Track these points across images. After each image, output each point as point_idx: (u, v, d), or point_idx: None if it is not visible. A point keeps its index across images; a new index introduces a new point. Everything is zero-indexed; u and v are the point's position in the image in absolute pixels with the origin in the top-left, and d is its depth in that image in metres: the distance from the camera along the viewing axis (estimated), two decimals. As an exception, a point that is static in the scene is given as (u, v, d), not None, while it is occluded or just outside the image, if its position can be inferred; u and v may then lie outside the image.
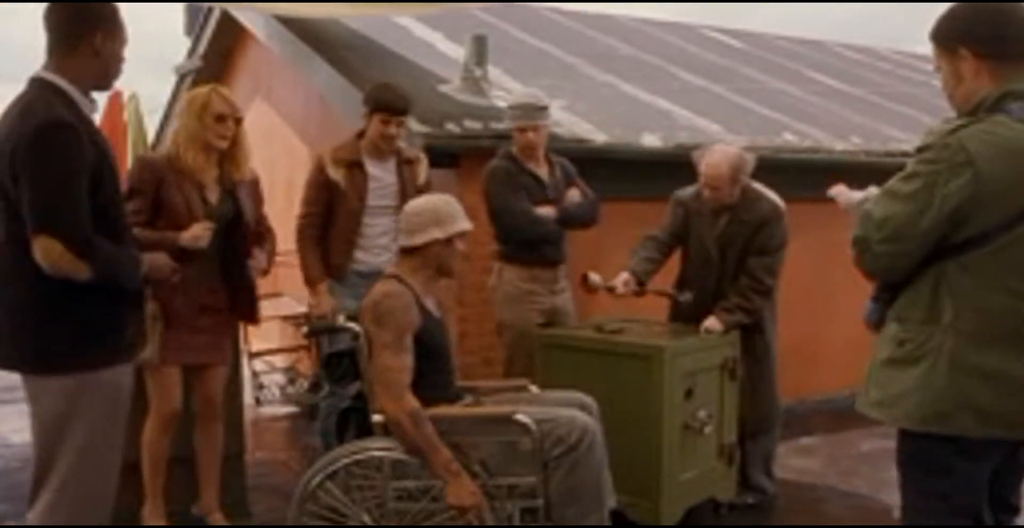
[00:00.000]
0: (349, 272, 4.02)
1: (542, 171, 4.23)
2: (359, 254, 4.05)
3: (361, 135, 4.10)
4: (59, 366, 2.48)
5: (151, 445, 3.49)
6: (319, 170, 4.01)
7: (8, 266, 2.50)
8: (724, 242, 3.97)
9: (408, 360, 3.02)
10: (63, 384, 2.48)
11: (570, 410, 3.14)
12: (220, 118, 3.44)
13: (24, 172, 2.41)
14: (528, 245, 4.15)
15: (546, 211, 4.11)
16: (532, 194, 4.14)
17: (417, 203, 3.31)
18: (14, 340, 2.51)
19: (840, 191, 2.50)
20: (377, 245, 4.06)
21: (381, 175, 4.07)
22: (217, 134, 3.45)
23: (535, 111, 4.14)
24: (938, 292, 2.10)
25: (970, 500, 2.18)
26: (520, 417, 2.95)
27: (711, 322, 3.84)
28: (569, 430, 2.99)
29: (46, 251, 2.39)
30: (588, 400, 3.31)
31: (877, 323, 2.29)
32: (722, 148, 3.97)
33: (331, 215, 4.01)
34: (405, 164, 4.14)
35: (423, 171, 4.20)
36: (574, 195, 4.22)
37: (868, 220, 2.14)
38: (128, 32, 2.66)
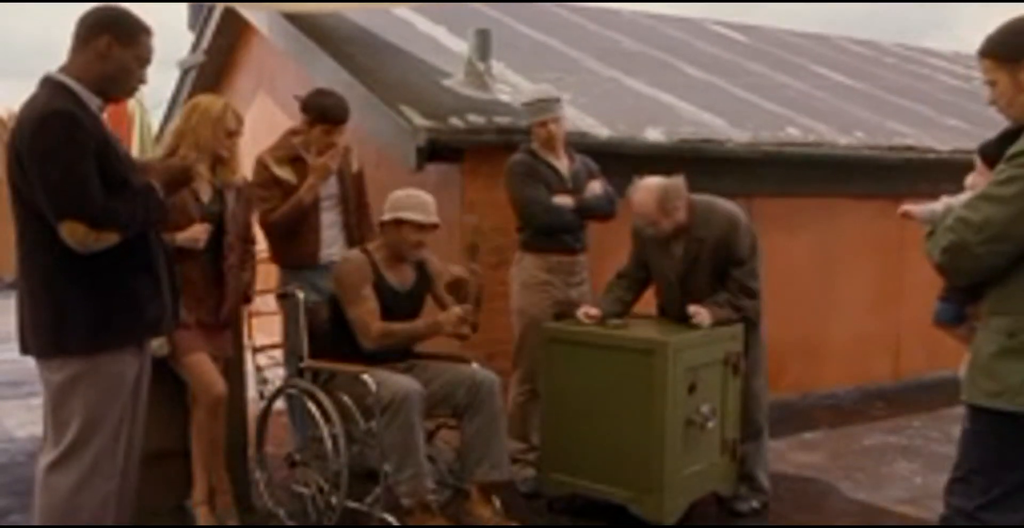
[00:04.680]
0: (304, 265, 4.18)
1: (562, 163, 4.28)
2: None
3: (295, 133, 4.24)
4: (70, 349, 2.63)
5: (203, 432, 3.58)
6: (264, 168, 4.14)
7: (25, 258, 2.65)
8: (687, 263, 3.92)
9: (367, 305, 3.68)
10: (71, 364, 2.63)
11: (402, 376, 3.59)
12: (231, 134, 3.62)
13: (31, 164, 2.53)
14: (546, 233, 4.20)
15: (564, 200, 4.17)
16: (551, 185, 4.19)
17: (398, 191, 3.81)
18: (34, 328, 2.65)
19: (910, 208, 2.64)
20: (328, 236, 4.22)
21: None
22: (224, 146, 3.63)
23: (552, 103, 4.25)
24: None
25: None
26: (365, 377, 3.50)
27: (700, 311, 3.80)
28: (392, 391, 3.46)
29: (72, 234, 2.54)
30: (485, 376, 3.75)
31: (952, 321, 2.44)
32: (644, 185, 3.88)
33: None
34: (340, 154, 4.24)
35: (355, 159, 4.35)
36: (595, 187, 4.27)
37: (965, 225, 2.25)
38: (151, 53, 2.77)
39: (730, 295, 3.85)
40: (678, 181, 3.89)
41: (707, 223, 3.88)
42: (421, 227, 3.73)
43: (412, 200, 3.76)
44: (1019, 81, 2.32)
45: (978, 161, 2.49)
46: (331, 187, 4.23)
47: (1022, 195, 2.19)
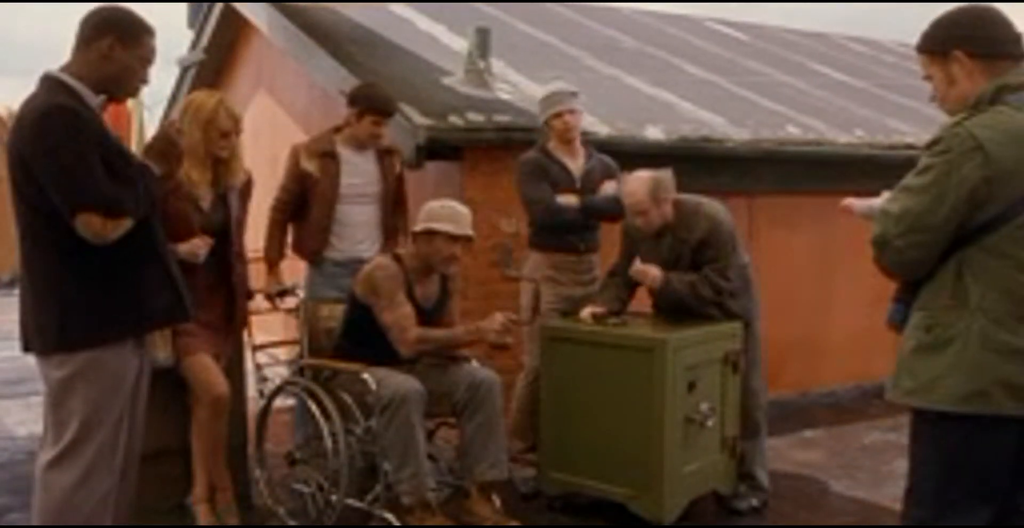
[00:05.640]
0: (326, 259, 4.18)
1: (575, 162, 4.26)
2: (335, 241, 4.20)
3: (338, 130, 4.26)
4: (72, 346, 2.63)
5: (204, 431, 3.55)
6: (295, 159, 4.19)
7: (28, 257, 2.65)
8: (671, 262, 3.93)
9: (403, 310, 3.63)
10: (72, 361, 2.63)
11: (401, 376, 3.54)
12: (225, 135, 3.51)
13: (36, 161, 2.53)
14: (550, 232, 4.19)
15: (568, 199, 4.14)
16: (559, 184, 4.17)
17: (433, 202, 3.74)
18: (37, 325, 2.65)
19: (851, 202, 2.61)
20: (356, 234, 4.20)
21: (359, 162, 4.21)
22: (220, 147, 3.52)
23: (568, 96, 4.25)
24: (961, 277, 2.18)
25: (994, 481, 2.22)
26: (364, 375, 3.50)
27: (650, 271, 3.83)
28: (392, 390, 3.45)
29: (89, 226, 2.54)
30: (485, 375, 3.74)
31: (902, 323, 2.36)
32: (636, 175, 3.90)
33: (307, 203, 4.17)
34: (385, 154, 4.28)
35: (398, 162, 4.36)
36: (608, 187, 4.22)
37: (886, 217, 2.23)
38: (153, 54, 2.77)
39: (699, 280, 3.83)
40: (668, 174, 3.92)
41: (690, 224, 3.89)
42: (454, 239, 3.65)
43: (445, 211, 3.69)
44: (950, 74, 2.29)
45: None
46: (372, 184, 4.22)
47: (936, 183, 2.15)
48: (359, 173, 4.20)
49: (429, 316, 3.80)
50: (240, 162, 3.65)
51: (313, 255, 4.21)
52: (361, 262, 4.10)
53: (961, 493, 2.21)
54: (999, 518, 2.24)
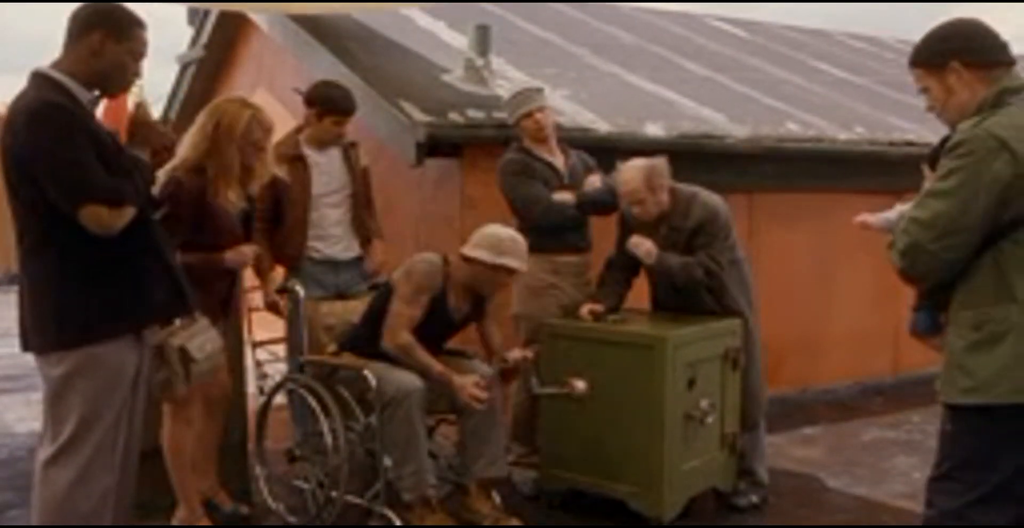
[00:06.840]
0: (306, 262, 4.12)
1: (556, 159, 4.22)
2: (317, 244, 4.15)
3: (299, 130, 4.22)
4: (69, 344, 2.62)
5: (209, 431, 3.56)
6: None
7: (27, 256, 2.64)
8: (667, 251, 3.91)
9: (415, 311, 3.62)
10: (69, 358, 2.62)
11: (403, 372, 3.55)
12: (262, 148, 3.49)
13: (33, 159, 2.52)
14: (550, 233, 4.11)
15: (563, 196, 4.10)
16: (548, 182, 4.12)
17: (492, 227, 3.71)
18: (36, 325, 2.65)
19: (866, 217, 2.68)
20: (332, 234, 4.16)
21: (326, 162, 4.18)
22: (255, 159, 3.51)
23: (535, 93, 4.22)
24: (1001, 271, 2.23)
25: None
26: (365, 373, 3.50)
27: (644, 243, 3.86)
28: (395, 387, 3.46)
29: (95, 219, 2.54)
30: (485, 372, 3.73)
31: (927, 331, 2.44)
32: (631, 164, 3.90)
33: (280, 209, 4.09)
34: (349, 148, 4.25)
35: (362, 155, 4.31)
36: (593, 181, 4.19)
37: (916, 224, 2.26)
38: (145, 47, 2.75)
39: (691, 262, 3.83)
40: (662, 161, 3.92)
41: (686, 212, 3.89)
42: (514, 272, 3.65)
43: (516, 246, 3.63)
44: (948, 86, 2.37)
45: (926, 169, 2.55)
46: (341, 182, 4.18)
47: (964, 185, 2.19)
48: (327, 173, 4.16)
49: (453, 328, 3.82)
50: (266, 167, 3.65)
51: (292, 260, 4.14)
52: (338, 263, 4.11)
53: (994, 486, 2.24)
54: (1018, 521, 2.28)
